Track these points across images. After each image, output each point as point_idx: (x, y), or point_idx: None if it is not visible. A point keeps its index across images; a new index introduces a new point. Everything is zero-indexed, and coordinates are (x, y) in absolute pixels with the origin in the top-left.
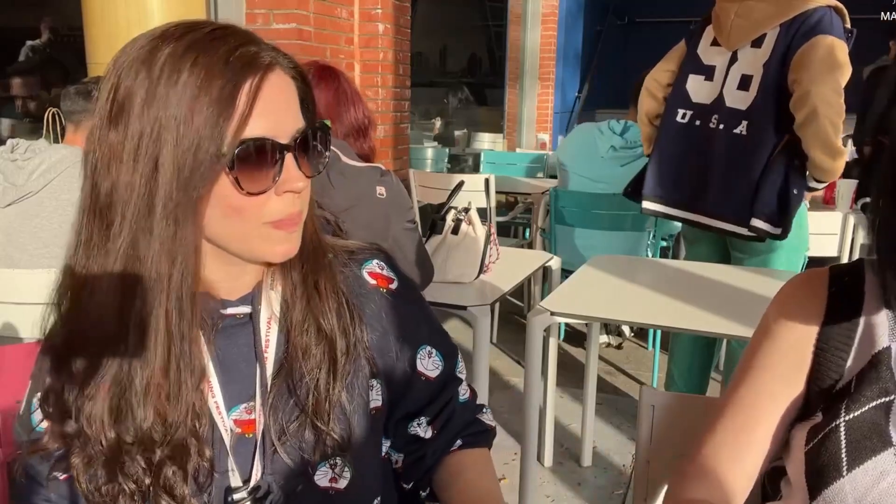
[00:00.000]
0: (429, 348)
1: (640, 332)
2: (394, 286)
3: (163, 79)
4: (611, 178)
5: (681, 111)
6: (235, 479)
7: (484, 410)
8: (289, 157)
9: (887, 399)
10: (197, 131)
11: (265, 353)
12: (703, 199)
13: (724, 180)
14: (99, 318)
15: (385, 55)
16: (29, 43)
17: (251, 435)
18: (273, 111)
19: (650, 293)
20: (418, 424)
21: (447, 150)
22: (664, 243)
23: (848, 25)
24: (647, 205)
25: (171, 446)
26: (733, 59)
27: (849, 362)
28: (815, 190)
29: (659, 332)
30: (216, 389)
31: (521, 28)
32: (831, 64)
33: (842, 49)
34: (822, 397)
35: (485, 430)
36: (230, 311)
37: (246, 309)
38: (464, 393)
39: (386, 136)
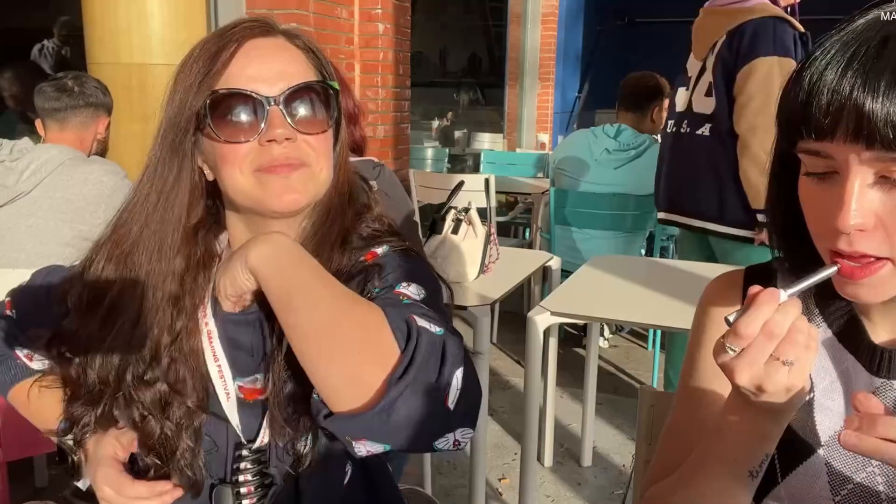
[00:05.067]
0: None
1: (640, 332)
2: (378, 259)
3: (187, 56)
4: (605, 181)
5: (670, 122)
6: (240, 437)
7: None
8: (274, 110)
9: (808, 397)
10: (186, 89)
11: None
12: (680, 199)
13: (695, 179)
14: (120, 250)
15: (385, 55)
16: (45, 43)
17: (254, 401)
18: (257, 67)
19: (650, 293)
20: None
21: (447, 150)
22: (664, 243)
23: (801, 30)
24: (658, 215)
25: (166, 383)
26: (703, 69)
27: None
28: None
29: (659, 332)
30: (219, 352)
31: (521, 28)
32: (769, 91)
33: (781, 67)
34: None
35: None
36: None
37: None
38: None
39: (386, 136)
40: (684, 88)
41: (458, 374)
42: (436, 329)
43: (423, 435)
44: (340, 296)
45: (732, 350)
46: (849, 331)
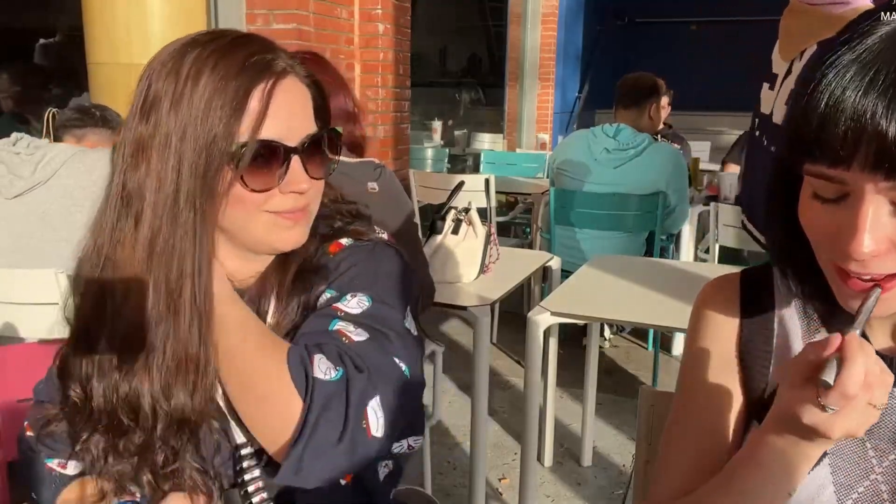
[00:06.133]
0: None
1: (640, 332)
2: (341, 251)
3: (188, 81)
4: (605, 181)
5: (756, 121)
6: (240, 437)
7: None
8: (295, 160)
9: None
10: (211, 129)
11: None
12: (758, 213)
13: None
14: (125, 297)
15: (385, 55)
16: (41, 41)
17: None
18: (283, 115)
19: (650, 293)
20: None
21: (447, 150)
22: (664, 243)
23: None
24: (742, 220)
25: (196, 414)
26: (788, 72)
27: (771, 369)
28: None
29: (659, 332)
30: None
31: (521, 28)
32: None
33: None
34: (755, 405)
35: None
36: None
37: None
38: (334, 326)
39: (386, 137)
40: (768, 86)
41: (374, 404)
42: (332, 375)
43: (355, 468)
44: (251, 345)
45: (831, 410)
46: None
